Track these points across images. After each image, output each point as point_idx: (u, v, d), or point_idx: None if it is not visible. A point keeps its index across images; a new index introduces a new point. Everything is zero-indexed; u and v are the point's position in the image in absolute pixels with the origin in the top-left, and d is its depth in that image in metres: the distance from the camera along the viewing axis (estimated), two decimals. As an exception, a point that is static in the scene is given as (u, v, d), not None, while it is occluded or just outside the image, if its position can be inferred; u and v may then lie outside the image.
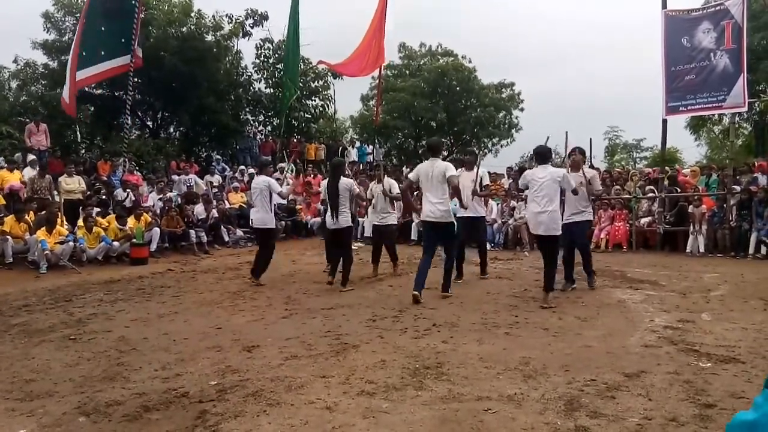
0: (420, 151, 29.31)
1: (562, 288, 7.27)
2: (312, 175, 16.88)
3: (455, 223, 7.13)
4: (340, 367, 4.32)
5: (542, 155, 6.87)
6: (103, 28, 14.30)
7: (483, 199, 8.52)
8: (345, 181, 7.93)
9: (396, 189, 8.77)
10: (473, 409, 3.47)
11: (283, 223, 14.63)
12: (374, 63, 16.70)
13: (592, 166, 8.63)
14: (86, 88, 19.30)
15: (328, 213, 7.88)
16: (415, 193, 9.00)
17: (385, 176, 9.23)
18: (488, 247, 12.51)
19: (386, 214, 8.77)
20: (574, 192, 7.02)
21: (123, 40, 14.53)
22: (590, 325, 5.58)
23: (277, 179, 15.80)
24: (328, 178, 8.10)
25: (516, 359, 4.43)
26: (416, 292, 6.65)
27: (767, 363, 4.28)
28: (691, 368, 4.18)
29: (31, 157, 13.33)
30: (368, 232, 12.52)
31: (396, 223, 9.54)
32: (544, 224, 6.53)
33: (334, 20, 47.21)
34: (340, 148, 22.81)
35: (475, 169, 7.88)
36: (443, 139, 30.03)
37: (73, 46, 14.04)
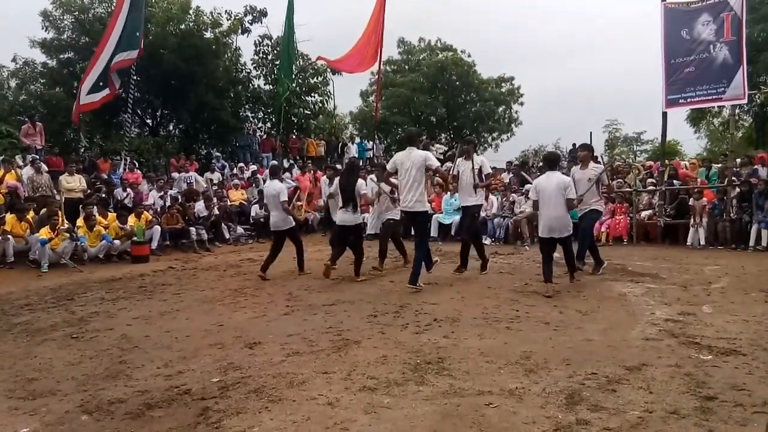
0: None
1: (593, 271, 7.92)
2: (312, 171, 16.87)
3: (427, 212, 7.35)
4: (342, 363, 4.33)
5: (550, 161, 7.22)
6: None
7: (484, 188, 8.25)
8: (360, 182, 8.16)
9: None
10: (474, 404, 3.48)
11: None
12: (372, 59, 16.69)
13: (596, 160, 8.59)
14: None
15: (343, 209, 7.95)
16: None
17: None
18: (488, 241, 12.60)
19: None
20: (578, 200, 7.28)
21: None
22: (591, 318, 5.58)
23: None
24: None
25: (517, 353, 4.44)
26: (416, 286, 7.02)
27: (768, 355, 4.29)
28: (692, 361, 4.19)
29: (30, 156, 13.34)
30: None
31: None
32: (557, 230, 6.90)
33: (328, 16, 47.16)
34: (340, 144, 22.80)
35: (475, 158, 7.86)
36: (443, 134, 30.05)
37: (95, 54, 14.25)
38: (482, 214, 7.50)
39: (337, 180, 8.78)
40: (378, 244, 8.82)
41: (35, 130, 14.37)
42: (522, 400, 3.52)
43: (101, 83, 14.54)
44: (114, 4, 16.61)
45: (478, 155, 8.12)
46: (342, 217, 7.94)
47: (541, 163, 19.21)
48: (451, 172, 8.50)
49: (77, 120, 15.66)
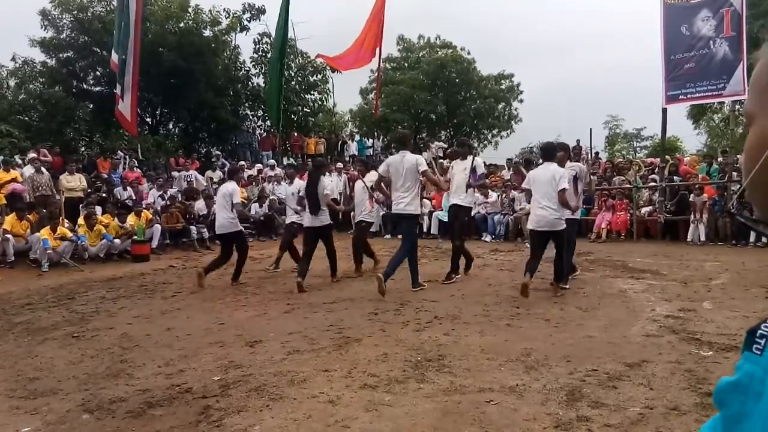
0: (420, 144, 29.27)
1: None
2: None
3: (416, 216, 7.25)
4: (343, 361, 4.34)
5: (546, 152, 6.93)
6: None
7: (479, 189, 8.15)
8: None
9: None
10: (475, 401, 3.48)
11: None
12: (367, 55, 16.68)
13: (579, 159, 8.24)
14: (84, 85, 19.35)
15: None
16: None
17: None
18: (489, 238, 12.63)
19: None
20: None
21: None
22: (591, 315, 5.59)
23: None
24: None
25: (518, 350, 4.44)
26: (381, 280, 6.60)
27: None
28: (693, 357, 4.19)
29: (31, 155, 13.31)
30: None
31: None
32: (545, 219, 6.51)
33: (329, 14, 47.01)
34: (340, 142, 22.80)
35: (469, 159, 7.75)
36: (443, 131, 29.99)
37: (133, 64, 14.06)
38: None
39: (298, 181, 8.53)
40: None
41: (50, 157, 14.11)
42: (523, 397, 3.52)
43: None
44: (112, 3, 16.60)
45: (474, 156, 8.00)
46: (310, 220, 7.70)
47: (541, 161, 19.20)
48: (446, 175, 8.45)
49: (136, 131, 15.72)
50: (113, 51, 14.83)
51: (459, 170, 7.75)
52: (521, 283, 6.42)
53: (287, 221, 9.01)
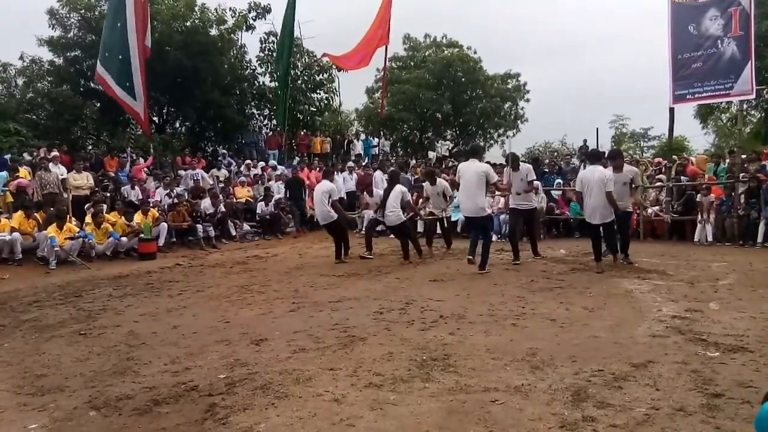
0: (425, 143, 29.23)
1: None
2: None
3: (491, 216, 8.68)
4: (348, 360, 4.34)
5: (593, 156, 8.77)
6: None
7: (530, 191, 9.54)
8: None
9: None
10: (480, 400, 3.48)
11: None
12: (371, 54, 16.73)
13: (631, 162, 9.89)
14: (91, 84, 19.46)
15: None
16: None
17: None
18: (495, 238, 12.62)
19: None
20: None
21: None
22: (597, 315, 5.57)
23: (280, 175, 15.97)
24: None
25: (523, 350, 4.44)
26: (470, 257, 8.12)
27: (776, 352, 4.26)
28: (699, 358, 4.18)
29: (52, 154, 13.36)
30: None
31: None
32: (598, 216, 8.03)
33: (330, 13, 47.05)
34: (346, 141, 22.82)
35: (523, 169, 9.30)
36: (449, 131, 29.96)
37: (139, 64, 14.11)
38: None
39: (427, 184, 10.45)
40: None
41: (59, 156, 14.15)
42: (528, 397, 3.52)
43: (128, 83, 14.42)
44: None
45: (525, 164, 9.73)
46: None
47: (546, 160, 19.22)
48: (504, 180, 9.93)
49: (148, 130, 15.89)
50: (99, 62, 14.53)
51: (517, 179, 9.17)
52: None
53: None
